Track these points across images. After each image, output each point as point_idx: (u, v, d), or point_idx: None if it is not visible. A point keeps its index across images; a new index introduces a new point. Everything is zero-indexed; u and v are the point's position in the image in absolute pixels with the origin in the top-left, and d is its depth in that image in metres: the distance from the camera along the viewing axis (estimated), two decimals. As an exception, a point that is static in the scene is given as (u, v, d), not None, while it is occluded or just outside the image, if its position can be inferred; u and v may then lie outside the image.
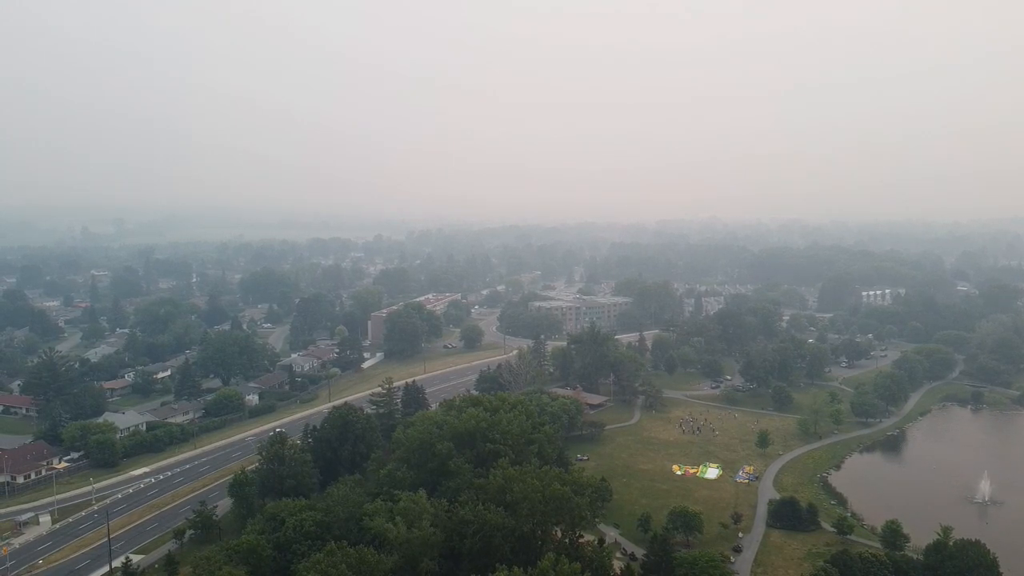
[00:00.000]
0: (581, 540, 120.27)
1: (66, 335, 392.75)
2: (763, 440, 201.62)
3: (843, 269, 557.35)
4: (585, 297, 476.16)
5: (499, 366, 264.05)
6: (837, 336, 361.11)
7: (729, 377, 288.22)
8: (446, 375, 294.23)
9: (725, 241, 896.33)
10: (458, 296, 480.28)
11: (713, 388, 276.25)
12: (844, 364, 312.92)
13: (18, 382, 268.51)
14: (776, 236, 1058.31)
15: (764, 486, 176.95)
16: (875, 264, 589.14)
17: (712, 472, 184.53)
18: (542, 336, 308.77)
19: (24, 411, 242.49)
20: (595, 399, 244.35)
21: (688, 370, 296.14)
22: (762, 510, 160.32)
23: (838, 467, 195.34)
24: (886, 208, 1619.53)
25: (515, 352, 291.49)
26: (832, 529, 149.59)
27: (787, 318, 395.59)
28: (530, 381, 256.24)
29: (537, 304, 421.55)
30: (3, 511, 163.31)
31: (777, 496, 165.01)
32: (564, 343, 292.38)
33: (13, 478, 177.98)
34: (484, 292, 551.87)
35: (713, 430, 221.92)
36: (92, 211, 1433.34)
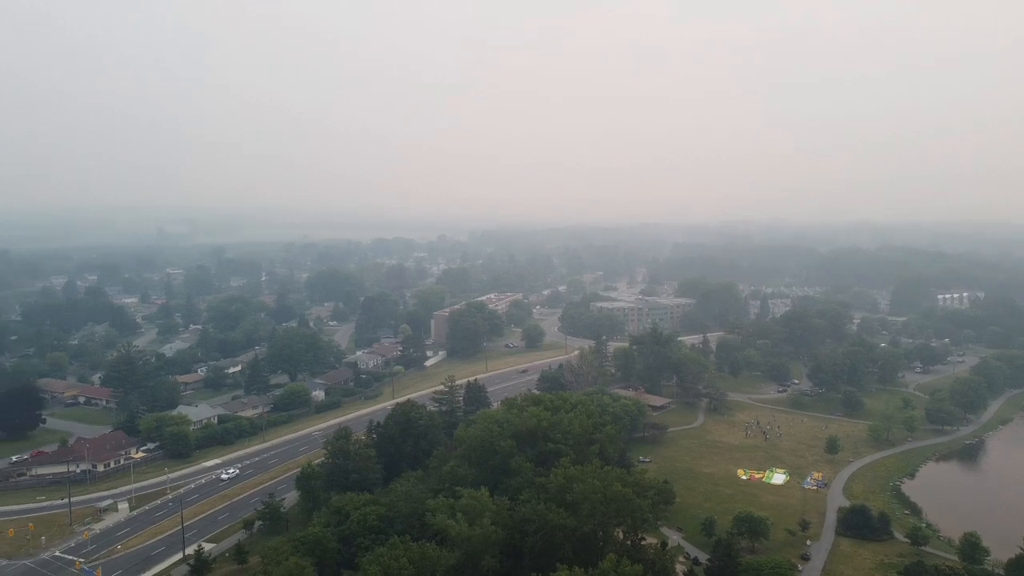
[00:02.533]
0: (643, 542, 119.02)
1: (143, 331, 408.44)
2: (832, 446, 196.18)
3: (917, 271, 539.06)
4: (647, 298, 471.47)
5: (560, 366, 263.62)
6: (911, 340, 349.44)
7: (796, 381, 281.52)
8: (507, 374, 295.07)
9: (791, 242, 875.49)
10: (519, 296, 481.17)
11: (779, 392, 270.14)
12: (918, 369, 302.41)
13: (98, 375, 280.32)
14: (845, 237, 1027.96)
15: (833, 493, 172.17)
16: (950, 266, 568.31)
17: (779, 477, 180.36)
18: (603, 336, 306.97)
19: (104, 402, 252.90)
20: (658, 401, 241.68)
21: (753, 373, 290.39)
22: (831, 518, 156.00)
23: (912, 476, 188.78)
24: (949, 205, 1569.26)
25: (576, 352, 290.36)
26: (905, 539, 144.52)
27: (857, 321, 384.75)
28: (591, 381, 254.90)
29: (599, 304, 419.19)
30: (85, 497, 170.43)
31: (847, 504, 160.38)
32: (626, 344, 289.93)
33: (94, 466, 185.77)
34: (545, 292, 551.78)
35: (779, 434, 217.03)
36: (166, 212, 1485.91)
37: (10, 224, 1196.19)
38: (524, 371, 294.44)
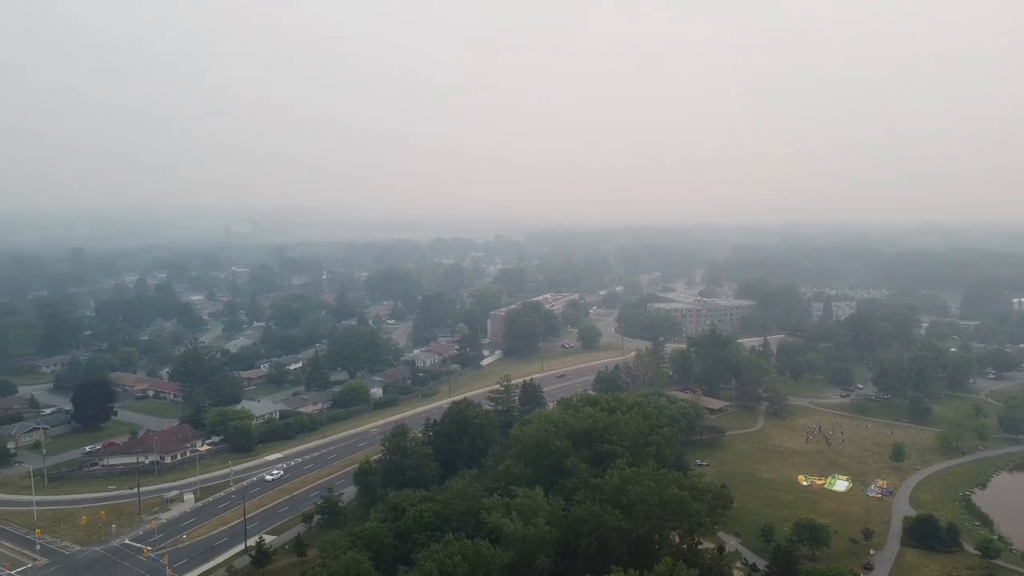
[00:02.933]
0: (700, 546, 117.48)
1: (209, 327, 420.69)
2: (898, 453, 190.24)
3: (989, 274, 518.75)
4: (706, 299, 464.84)
5: (617, 367, 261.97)
6: (983, 345, 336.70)
7: (860, 386, 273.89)
8: (563, 374, 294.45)
9: (856, 243, 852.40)
10: (576, 296, 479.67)
11: (843, 396, 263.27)
12: (991, 376, 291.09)
13: (167, 369, 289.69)
14: (913, 238, 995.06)
15: (899, 502, 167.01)
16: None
17: (841, 484, 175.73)
18: (661, 338, 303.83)
19: (172, 396, 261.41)
20: (716, 403, 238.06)
21: (815, 377, 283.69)
22: (896, 527, 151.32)
23: (983, 486, 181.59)
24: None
25: (633, 353, 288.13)
26: (975, 552, 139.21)
27: (926, 325, 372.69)
28: (648, 383, 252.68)
29: (656, 305, 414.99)
30: (153, 488, 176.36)
31: (913, 513, 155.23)
32: (684, 345, 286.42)
33: (162, 458, 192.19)
34: (602, 293, 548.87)
35: (842, 440, 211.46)
36: (231, 211, 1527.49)
37: (86, 223, 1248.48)
38: (561, 376, 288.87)
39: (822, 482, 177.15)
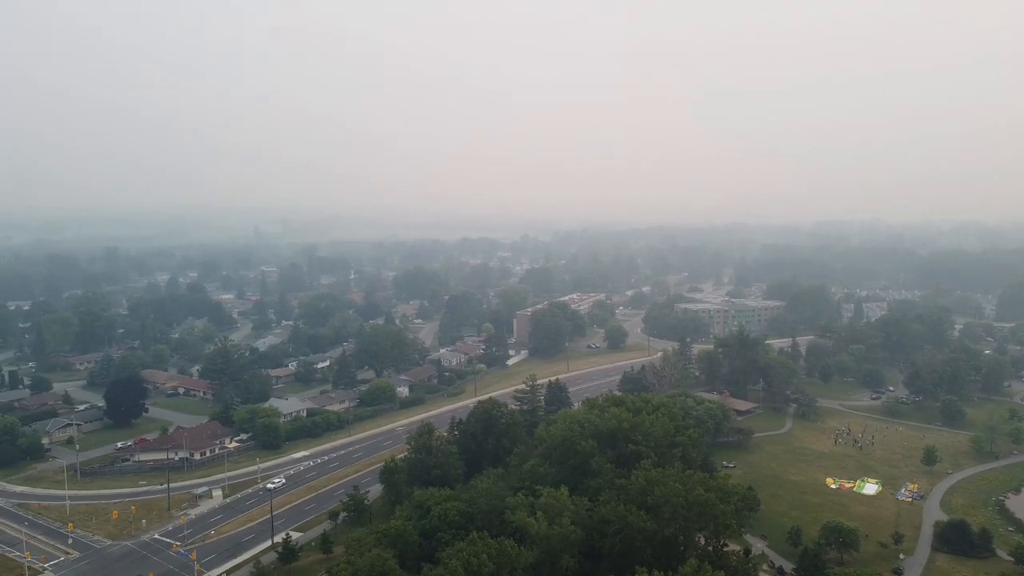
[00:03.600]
0: (726, 548, 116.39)
1: (239, 325, 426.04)
2: (930, 457, 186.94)
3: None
4: (734, 300, 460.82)
5: (643, 367, 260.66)
6: (1019, 348, 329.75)
7: (891, 388, 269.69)
8: (589, 374, 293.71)
9: (889, 243, 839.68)
10: (602, 296, 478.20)
11: (873, 399, 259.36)
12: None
13: (197, 367, 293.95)
14: (947, 238, 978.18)
15: (930, 506, 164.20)
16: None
17: (870, 487, 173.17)
18: (688, 339, 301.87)
19: (202, 394, 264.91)
20: (743, 405, 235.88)
21: (845, 379, 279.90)
22: (927, 532, 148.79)
23: (1017, 491, 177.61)
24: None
25: (660, 354, 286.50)
26: (1009, 558, 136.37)
27: (960, 327, 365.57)
28: (675, 384, 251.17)
29: (683, 306, 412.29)
30: (182, 484, 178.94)
31: (945, 518, 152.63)
32: (711, 346, 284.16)
33: (191, 454, 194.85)
34: (629, 293, 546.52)
35: (872, 443, 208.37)
36: (261, 212, 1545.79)
37: (120, 223, 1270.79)
38: (585, 376, 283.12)
39: (851, 485, 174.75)
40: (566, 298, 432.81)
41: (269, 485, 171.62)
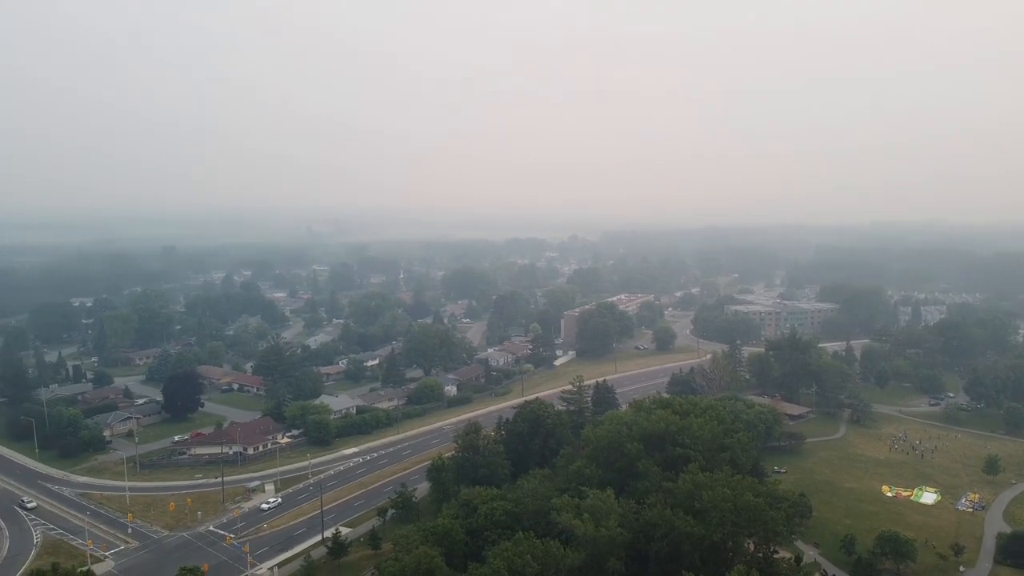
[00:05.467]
0: (776, 555, 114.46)
1: (291, 323, 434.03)
2: (992, 466, 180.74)
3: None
4: (786, 302, 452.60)
5: (692, 369, 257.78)
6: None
7: (951, 394, 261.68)
8: (636, 376, 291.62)
9: (949, 244, 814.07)
10: (651, 297, 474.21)
11: (932, 405, 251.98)
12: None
13: (251, 364, 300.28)
14: (1010, 239, 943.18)
15: (992, 517, 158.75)
16: None
17: (928, 496, 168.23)
18: (738, 341, 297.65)
19: (255, 390, 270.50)
20: (795, 409, 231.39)
21: (902, 384, 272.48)
22: (989, 543, 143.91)
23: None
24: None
25: (709, 356, 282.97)
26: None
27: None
28: (724, 387, 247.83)
29: (733, 308, 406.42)
30: (236, 477, 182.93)
31: (1008, 529, 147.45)
32: (762, 349, 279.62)
33: (245, 449, 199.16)
34: (678, 294, 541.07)
35: (931, 450, 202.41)
36: (313, 212, 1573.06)
37: (179, 223, 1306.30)
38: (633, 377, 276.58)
39: (908, 494, 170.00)
40: (614, 299, 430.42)
41: (264, 506, 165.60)
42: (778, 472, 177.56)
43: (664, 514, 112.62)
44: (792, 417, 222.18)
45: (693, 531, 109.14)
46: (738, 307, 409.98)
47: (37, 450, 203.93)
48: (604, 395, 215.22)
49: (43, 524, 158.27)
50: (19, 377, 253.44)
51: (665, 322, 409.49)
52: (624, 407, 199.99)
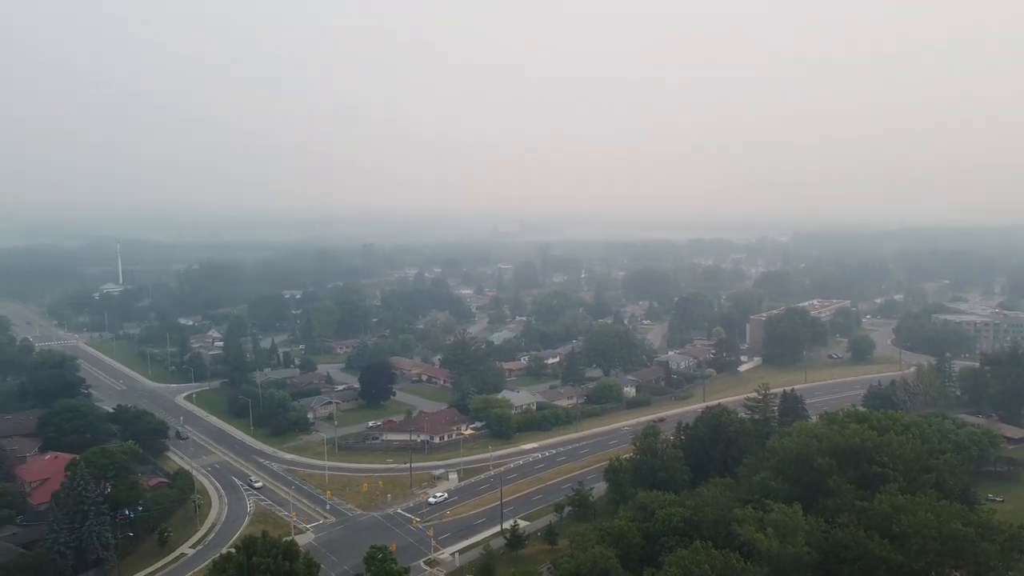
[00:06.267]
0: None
1: (476, 319, 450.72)
2: None
3: None
4: (1007, 312, 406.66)
5: (892, 382, 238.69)
6: None
7: None
8: (828, 387, 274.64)
9: None
10: (847, 303, 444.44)
11: None
12: None
13: (438, 357, 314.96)
14: None
15: None
16: None
17: None
18: (947, 353, 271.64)
19: (442, 382, 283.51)
20: (1015, 432, 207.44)
21: None
22: None
23: None
24: None
25: (912, 368, 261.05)
26: None
27: None
28: (929, 403, 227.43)
29: (943, 317, 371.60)
30: (422, 464, 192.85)
31: None
32: (976, 363, 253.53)
33: (431, 438, 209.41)
34: (877, 301, 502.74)
35: None
36: (499, 212, 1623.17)
37: (378, 222, 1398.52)
38: (662, 419, 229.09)
39: None
40: (805, 304, 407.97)
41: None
42: (993, 500, 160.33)
43: (857, 536, 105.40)
44: (1011, 441, 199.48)
45: (890, 557, 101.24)
46: (948, 316, 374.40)
47: (252, 427, 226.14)
48: (792, 405, 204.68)
49: (255, 495, 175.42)
50: (239, 361, 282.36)
51: (863, 330, 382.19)
52: (814, 419, 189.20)
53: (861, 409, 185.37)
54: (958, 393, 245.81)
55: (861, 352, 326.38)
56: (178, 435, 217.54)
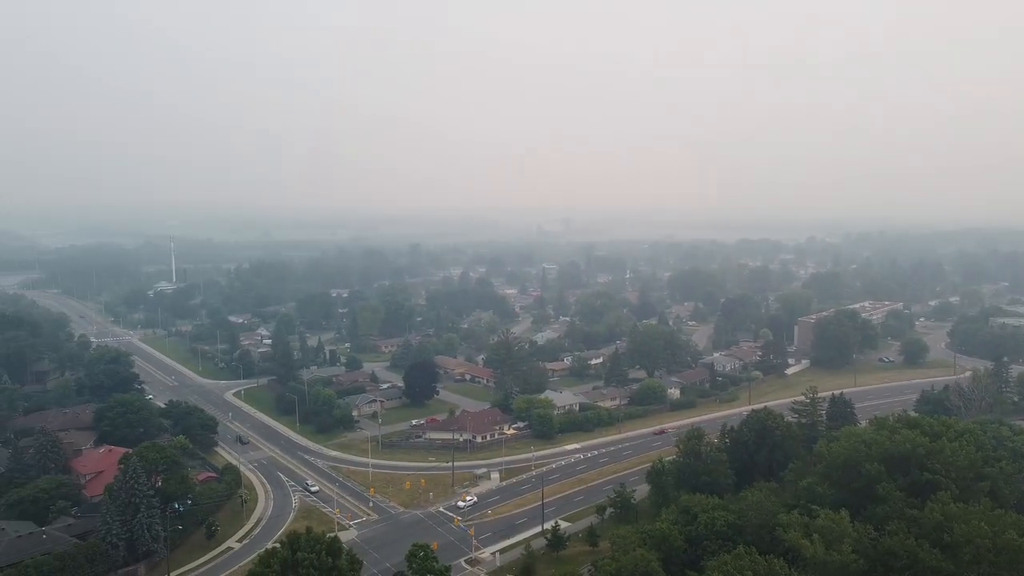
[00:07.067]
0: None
1: (520, 319, 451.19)
2: None
3: None
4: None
5: (946, 387, 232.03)
6: None
7: None
8: (879, 391, 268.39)
9: None
10: (899, 305, 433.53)
11: None
12: None
13: (482, 356, 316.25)
14: None
15: None
16: None
17: None
18: (1005, 358, 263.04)
19: (485, 381, 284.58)
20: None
21: None
22: None
23: None
24: None
25: (968, 373, 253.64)
26: None
27: None
28: (986, 409, 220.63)
29: (1001, 320, 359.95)
30: (465, 463, 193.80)
31: None
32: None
33: (474, 437, 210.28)
34: (932, 303, 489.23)
35: None
36: (543, 212, 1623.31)
37: (426, 222, 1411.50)
38: (661, 431, 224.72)
39: None
40: (856, 306, 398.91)
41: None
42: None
43: (907, 544, 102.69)
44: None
45: (941, 567, 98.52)
46: (1007, 320, 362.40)
47: (298, 424, 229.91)
48: (840, 409, 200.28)
49: (301, 491, 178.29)
50: (287, 359, 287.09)
51: (916, 333, 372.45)
52: (863, 423, 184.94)
53: (913, 414, 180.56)
54: (1016, 399, 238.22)
55: (914, 356, 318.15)
56: (239, 440, 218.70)
